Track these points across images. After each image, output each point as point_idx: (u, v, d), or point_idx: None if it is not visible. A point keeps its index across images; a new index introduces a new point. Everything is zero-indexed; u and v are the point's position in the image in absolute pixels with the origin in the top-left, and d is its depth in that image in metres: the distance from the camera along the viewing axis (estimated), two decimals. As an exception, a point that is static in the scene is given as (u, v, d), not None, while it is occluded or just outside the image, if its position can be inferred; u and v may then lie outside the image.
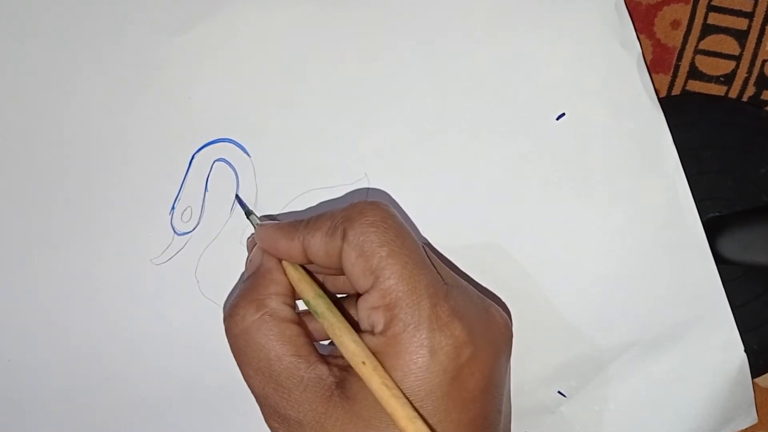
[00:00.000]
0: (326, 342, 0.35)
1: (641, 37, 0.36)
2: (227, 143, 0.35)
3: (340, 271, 0.30)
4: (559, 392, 0.36)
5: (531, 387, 0.36)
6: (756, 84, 0.37)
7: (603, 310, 0.35)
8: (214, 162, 0.35)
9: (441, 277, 0.28)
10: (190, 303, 0.35)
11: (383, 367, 0.26)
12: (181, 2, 0.35)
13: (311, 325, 0.31)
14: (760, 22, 0.36)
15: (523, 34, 0.35)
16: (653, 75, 0.36)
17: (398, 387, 0.26)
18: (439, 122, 0.35)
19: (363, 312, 0.28)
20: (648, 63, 0.36)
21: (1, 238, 0.35)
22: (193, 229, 0.35)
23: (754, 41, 0.36)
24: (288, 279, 0.30)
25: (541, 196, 0.35)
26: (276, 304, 0.29)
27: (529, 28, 0.34)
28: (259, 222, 0.32)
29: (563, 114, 0.35)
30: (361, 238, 0.27)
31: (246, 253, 0.35)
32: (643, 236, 0.35)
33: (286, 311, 0.29)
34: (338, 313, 0.29)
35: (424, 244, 0.29)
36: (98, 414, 0.36)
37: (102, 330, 0.35)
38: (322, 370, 0.28)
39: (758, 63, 0.36)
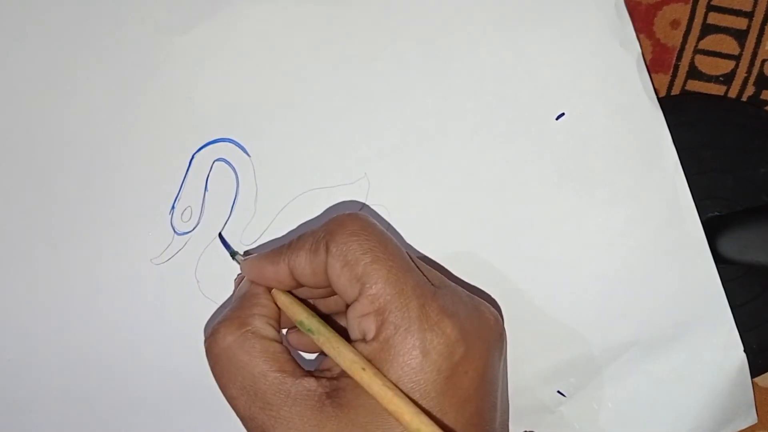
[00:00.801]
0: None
1: (641, 36, 0.36)
2: (227, 143, 0.35)
3: (330, 291, 0.30)
4: (558, 392, 0.36)
5: (531, 386, 0.36)
6: (755, 83, 0.37)
7: (603, 310, 0.35)
8: (214, 162, 0.35)
9: (428, 278, 0.28)
10: (190, 303, 0.35)
11: (380, 370, 0.26)
12: (181, 2, 0.35)
13: (295, 342, 0.32)
14: (760, 22, 0.36)
15: (522, 34, 0.35)
16: (653, 75, 0.36)
17: (398, 388, 0.26)
18: (439, 122, 0.35)
19: (353, 321, 0.28)
20: (647, 63, 0.36)
21: (1, 237, 0.35)
22: (193, 229, 0.35)
23: (754, 41, 0.36)
24: (274, 304, 0.30)
25: (541, 196, 0.35)
26: (259, 323, 0.29)
27: (529, 28, 0.34)
28: (243, 258, 0.32)
29: (563, 114, 0.35)
30: (343, 248, 0.27)
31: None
32: (642, 236, 0.35)
33: (269, 330, 0.29)
34: (331, 329, 0.29)
35: (408, 251, 0.29)
36: (98, 414, 0.36)
37: (102, 330, 0.35)
38: (310, 382, 0.27)
39: (758, 62, 0.36)
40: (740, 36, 0.36)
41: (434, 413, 0.26)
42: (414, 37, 0.35)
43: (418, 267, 0.29)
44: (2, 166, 0.35)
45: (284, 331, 0.33)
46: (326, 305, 0.33)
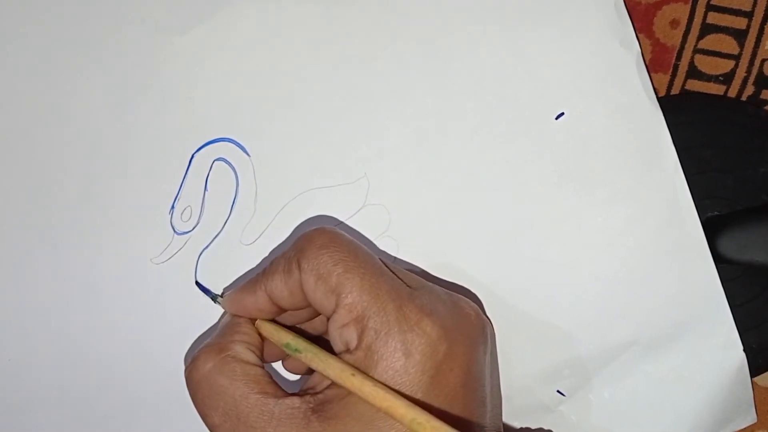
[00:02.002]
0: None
1: (640, 36, 0.36)
2: (227, 143, 0.35)
3: (313, 312, 0.30)
4: (558, 391, 0.36)
5: (531, 386, 0.36)
6: (755, 83, 0.37)
7: (603, 310, 0.35)
8: (213, 161, 0.35)
9: (402, 280, 0.28)
10: (189, 302, 0.35)
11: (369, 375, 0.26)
12: (181, 2, 0.35)
13: (291, 367, 0.32)
14: (759, 22, 0.36)
15: (522, 34, 0.35)
16: (652, 74, 0.36)
17: (384, 384, 0.26)
18: (439, 122, 0.35)
19: (334, 333, 0.28)
20: (647, 62, 0.36)
21: (2, 237, 0.35)
22: (193, 229, 0.35)
23: (753, 40, 0.36)
24: (257, 334, 0.30)
25: (541, 196, 0.35)
26: (239, 348, 0.29)
27: (529, 27, 0.34)
28: (223, 297, 0.32)
29: (563, 113, 0.35)
30: (314, 263, 0.28)
31: (246, 252, 0.35)
32: (642, 236, 0.35)
33: (250, 355, 0.29)
34: (317, 345, 0.29)
35: (381, 257, 0.30)
36: (98, 414, 0.36)
37: (101, 329, 0.35)
38: (293, 401, 0.27)
39: (757, 62, 0.36)
40: (740, 36, 0.36)
41: None
42: (414, 37, 0.35)
43: (391, 270, 0.29)
44: (2, 166, 0.35)
45: (280, 362, 0.34)
46: (313, 327, 0.33)
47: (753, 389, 0.36)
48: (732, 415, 0.36)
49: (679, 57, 0.37)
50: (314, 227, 0.29)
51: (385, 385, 0.26)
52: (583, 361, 0.36)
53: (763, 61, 0.36)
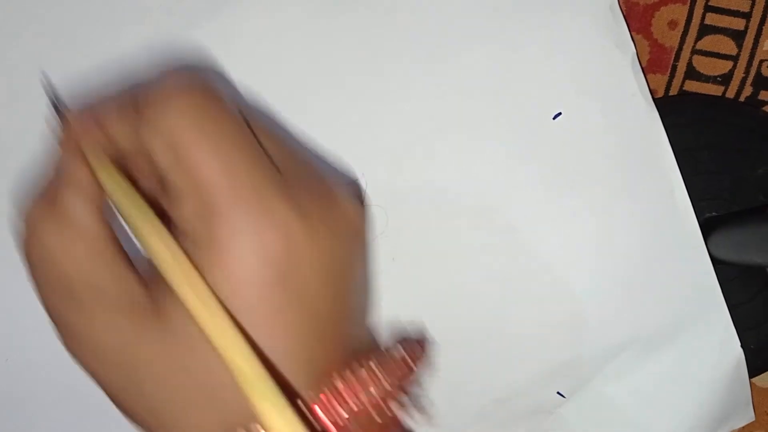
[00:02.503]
0: None
1: (638, 37, 0.36)
2: (225, 143, 0.35)
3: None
4: (558, 393, 0.36)
5: (529, 388, 0.36)
6: (753, 84, 0.37)
7: (600, 310, 0.35)
8: (211, 162, 0.35)
9: (273, 163, 0.24)
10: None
11: (206, 280, 0.22)
12: (181, 2, 0.35)
13: None
14: (758, 23, 0.36)
15: (519, 35, 0.35)
16: (650, 75, 0.36)
17: (216, 297, 0.22)
18: (437, 122, 0.35)
19: (176, 213, 0.24)
20: (645, 63, 0.36)
21: (1, 237, 0.35)
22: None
23: (752, 41, 0.36)
24: (95, 181, 0.25)
25: (539, 196, 0.35)
26: (80, 213, 0.24)
27: (525, 28, 0.34)
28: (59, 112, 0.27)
29: (560, 113, 0.35)
30: (163, 124, 0.23)
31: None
32: (639, 236, 0.35)
33: (89, 220, 0.24)
34: (150, 213, 0.24)
35: (255, 121, 0.25)
36: (97, 413, 0.36)
37: (100, 329, 0.35)
38: (132, 285, 0.24)
39: (755, 63, 0.36)
40: (738, 36, 0.36)
41: (270, 315, 0.23)
42: (410, 37, 0.35)
43: (261, 145, 0.24)
44: (1, 166, 0.35)
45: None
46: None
47: (752, 390, 0.36)
48: (730, 413, 0.36)
49: (677, 58, 0.37)
50: (172, 70, 0.25)
51: (210, 291, 0.22)
52: (581, 361, 0.36)
53: (761, 62, 0.36)
